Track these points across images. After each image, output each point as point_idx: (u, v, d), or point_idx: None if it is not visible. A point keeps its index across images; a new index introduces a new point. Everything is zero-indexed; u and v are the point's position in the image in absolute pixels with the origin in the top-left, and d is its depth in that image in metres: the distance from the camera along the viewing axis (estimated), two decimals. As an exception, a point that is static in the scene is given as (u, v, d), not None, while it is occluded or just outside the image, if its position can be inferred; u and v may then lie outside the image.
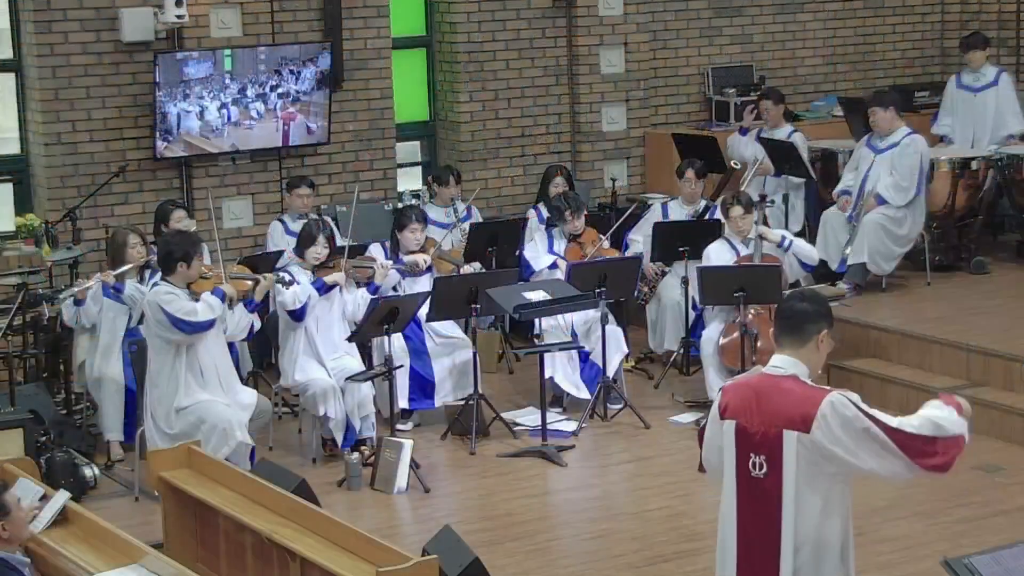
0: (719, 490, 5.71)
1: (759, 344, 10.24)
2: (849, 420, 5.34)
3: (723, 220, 10.94)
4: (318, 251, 9.99)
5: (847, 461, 5.36)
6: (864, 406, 5.37)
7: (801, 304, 5.50)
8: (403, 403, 10.32)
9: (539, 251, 11.11)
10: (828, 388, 5.47)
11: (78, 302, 10.00)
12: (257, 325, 9.73)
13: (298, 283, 9.82)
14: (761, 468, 5.45)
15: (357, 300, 10.03)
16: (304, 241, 10.06)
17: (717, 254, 10.76)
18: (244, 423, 9.17)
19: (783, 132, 12.74)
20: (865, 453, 5.34)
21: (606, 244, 11.16)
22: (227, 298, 9.26)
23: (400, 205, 12.39)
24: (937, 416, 5.37)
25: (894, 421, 5.38)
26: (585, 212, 11.37)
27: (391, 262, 10.45)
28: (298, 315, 9.78)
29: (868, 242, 11.85)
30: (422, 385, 10.38)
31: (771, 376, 5.51)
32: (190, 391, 9.14)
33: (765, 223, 11.28)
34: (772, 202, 11.85)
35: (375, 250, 10.65)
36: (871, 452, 5.34)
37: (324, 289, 9.83)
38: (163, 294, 9.10)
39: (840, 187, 12.21)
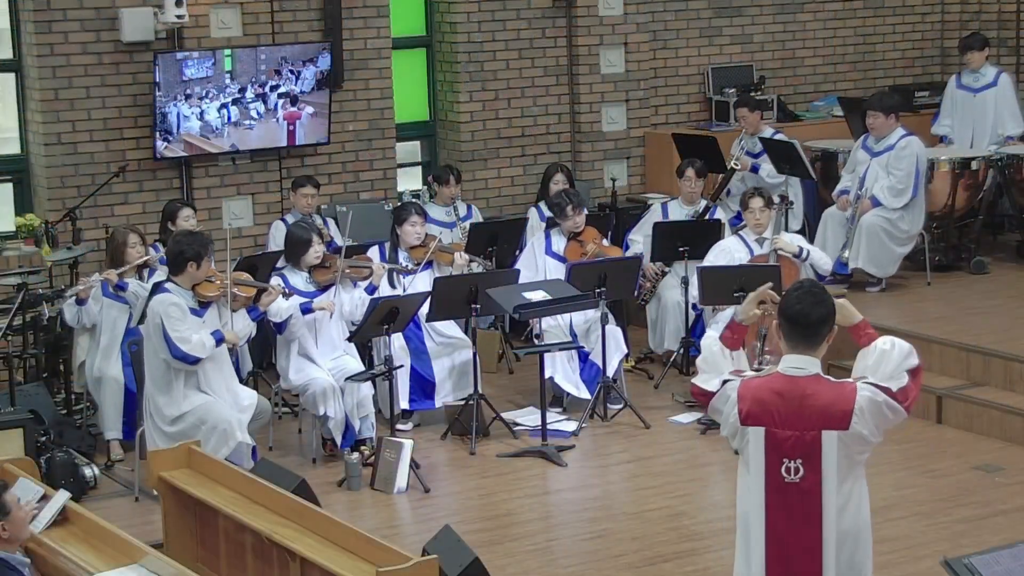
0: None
1: (766, 345, 10.24)
2: (878, 405, 5.45)
3: (741, 212, 10.91)
4: (316, 250, 9.98)
5: (870, 441, 5.48)
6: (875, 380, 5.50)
7: (816, 310, 5.48)
8: (404, 404, 10.32)
9: (535, 260, 11.02)
10: (851, 380, 5.52)
11: (80, 301, 10.01)
12: (255, 332, 9.72)
13: (291, 286, 9.82)
14: (797, 472, 5.46)
15: (355, 300, 10.03)
16: (297, 248, 10.01)
17: (729, 247, 10.74)
18: (244, 423, 9.17)
19: (766, 135, 12.72)
20: (881, 426, 5.48)
21: (606, 242, 11.16)
22: (225, 342, 9.21)
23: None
24: (897, 355, 5.54)
25: (891, 383, 5.48)
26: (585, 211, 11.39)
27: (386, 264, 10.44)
28: (277, 328, 9.82)
29: (868, 245, 11.87)
30: (423, 386, 10.38)
31: (793, 378, 5.49)
32: (189, 396, 9.14)
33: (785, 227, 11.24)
34: (792, 203, 11.83)
35: (372, 253, 10.64)
36: (884, 422, 5.48)
37: (309, 313, 9.81)
38: (168, 305, 9.07)
39: (839, 187, 12.24)
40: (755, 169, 12.56)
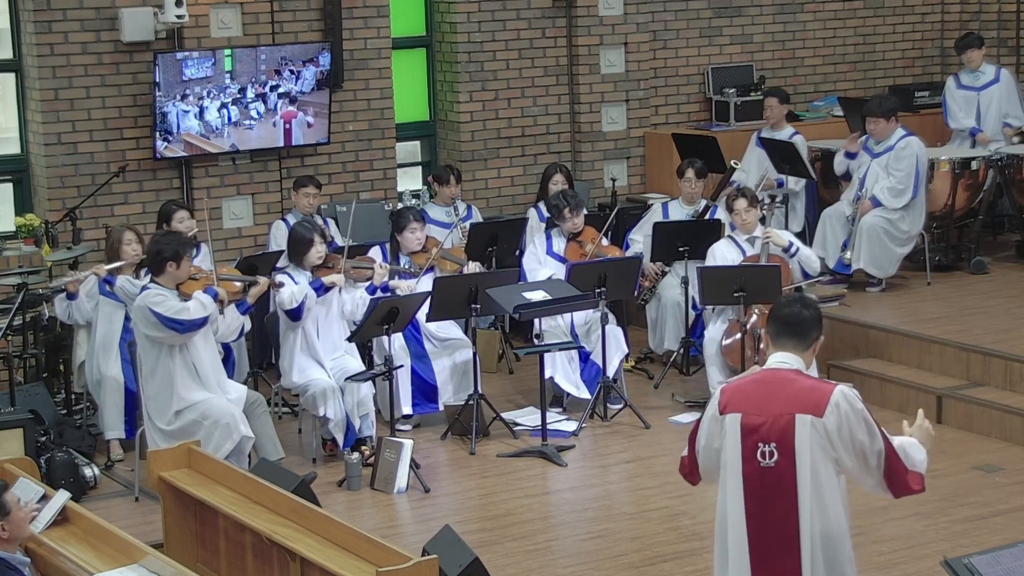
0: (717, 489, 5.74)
1: (763, 345, 10.24)
2: (859, 412, 5.49)
3: (728, 214, 10.92)
4: (318, 250, 9.98)
5: (840, 452, 5.49)
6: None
7: (805, 312, 5.65)
8: (407, 408, 10.30)
9: (538, 257, 11.06)
10: (834, 382, 5.60)
11: (70, 296, 10.02)
12: (247, 327, 9.72)
13: (296, 283, 9.82)
14: (772, 456, 5.52)
15: (355, 300, 10.02)
16: (299, 247, 10.02)
17: (722, 252, 10.76)
18: (243, 416, 9.16)
19: (785, 133, 12.74)
20: (854, 450, 5.50)
21: (605, 242, 11.16)
22: (219, 299, 9.24)
23: (400, 206, 12.40)
24: (912, 447, 5.60)
25: (894, 438, 5.57)
26: (584, 211, 11.39)
27: (388, 264, 10.45)
28: (295, 314, 9.77)
29: (868, 246, 11.87)
30: (424, 390, 10.37)
31: (776, 370, 5.61)
32: (188, 391, 9.13)
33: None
34: (781, 203, 11.84)
35: (374, 254, 10.64)
36: (859, 453, 5.50)
37: (322, 290, 9.82)
38: (152, 296, 9.07)
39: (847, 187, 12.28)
40: (780, 184, 12.50)
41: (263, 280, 9.63)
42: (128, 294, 9.89)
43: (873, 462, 5.51)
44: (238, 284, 9.56)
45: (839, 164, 12.31)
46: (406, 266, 10.60)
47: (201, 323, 9.08)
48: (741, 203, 10.66)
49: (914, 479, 5.56)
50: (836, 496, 5.53)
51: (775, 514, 5.53)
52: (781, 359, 5.62)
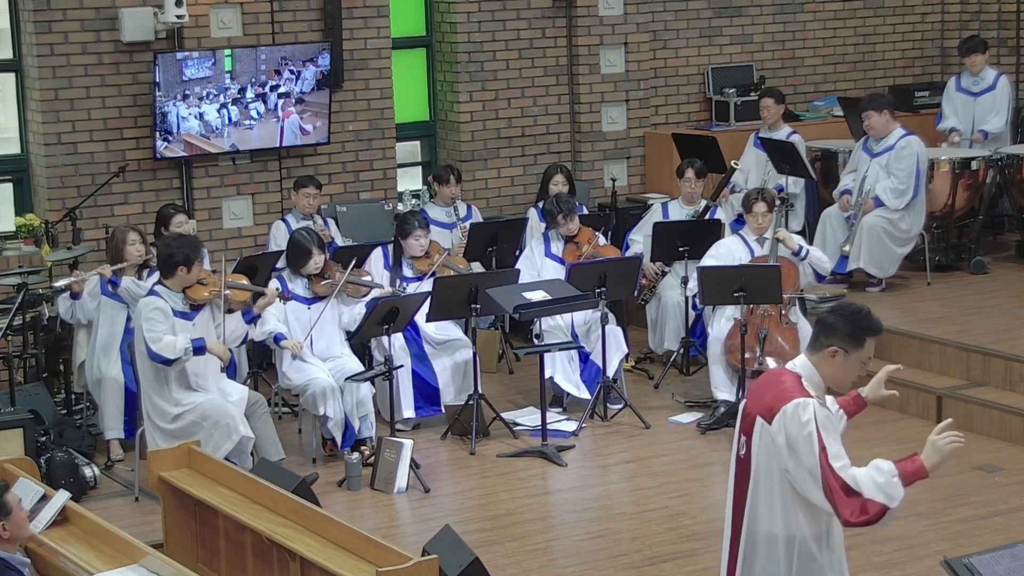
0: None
1: (767, 346, 10.23)
2: (801, 425, 5.44)
3: (744, 213, 10.90)
4: (316, 262, 9.98)
5: (785, 464, 5.49)
6: (822, 427, 5.42)
7: (829, 317, 5.66)
8: (408, 412, 10.27)
9: (533, 261, 11.04)
10: (810, 394, 5.53)
11: (74, 295, 10.02)
12: (252, 334, 9.72)
13: (288, 290, 9.83)
14: (742, 449, 5.68)
15: (354, 315, 10.01)
16: (298, 257, 10.01)
17: (728, 247, 10.74)
18: (244, 417, 9.15)
19: (782, 133, 12.73)
20: (796, 465, 5.45)
21: (602, 241, 11.15)
22: (207, 351, 9.17)
23: (400, 207, 12.40)
24: (873, 477, 5.43)
25: (838, 460, 5.42)
26: (581, 212, 11.37)
27: (387, 280, 10.43)
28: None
29: (868, 245, 11.87)
30: (425, 392, 10.35)
31: (783, 370, 5.72)
32: (183, 395, 9.12)
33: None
34: (792, 205, 11.83)
35: (376, 256, 10.63)
36: (801, 468, 5.44)
37: (277, 342, 9.83)
38: (149, 310, 9.07)
39: (840, 187, 12.24)
40: (780, 189, 12.49)
41: (270, 291, 9.63)
42: (133, 295, 9.89)
43: (807, 467, 5.41)
44: (246, 292, 9.55)
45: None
46: (407, 271, 10.58)
47: (162, 361, 9.00)
48: (761, 206, 10.64)
49: (854, 509, 5.36)
50: (775, 501, 5.53)
51: (737, 505, 5.70)
52: (795, 361, 5.70)
